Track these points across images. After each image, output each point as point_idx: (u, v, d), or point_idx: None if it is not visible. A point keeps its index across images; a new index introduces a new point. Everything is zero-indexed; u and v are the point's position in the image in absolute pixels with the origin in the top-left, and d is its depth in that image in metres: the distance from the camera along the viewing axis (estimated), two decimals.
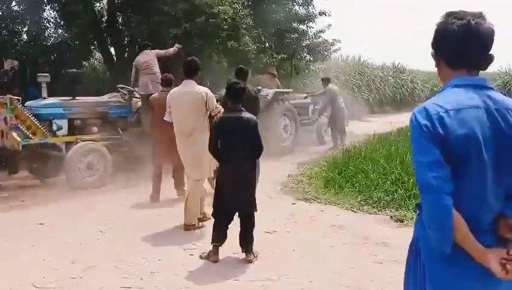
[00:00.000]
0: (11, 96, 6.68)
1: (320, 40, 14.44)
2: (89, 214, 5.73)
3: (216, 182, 4.32)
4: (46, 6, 12.26)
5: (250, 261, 4.15)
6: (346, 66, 24.04)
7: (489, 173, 1.59)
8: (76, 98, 7.48)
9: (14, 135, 6.51)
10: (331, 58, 21.72)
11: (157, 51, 8.50)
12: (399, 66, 26.70)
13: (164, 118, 5.11)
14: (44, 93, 7.22)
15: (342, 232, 4.95)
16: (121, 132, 7.79)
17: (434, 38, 1.72)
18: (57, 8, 12.23)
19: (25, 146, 6.64)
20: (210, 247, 4.23)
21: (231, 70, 10.69)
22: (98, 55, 14.39)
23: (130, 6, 11.89)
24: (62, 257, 4.27)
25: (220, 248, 4.23)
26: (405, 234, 2.55)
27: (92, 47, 13.42)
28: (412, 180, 6.18)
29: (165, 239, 4.78)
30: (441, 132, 1.55)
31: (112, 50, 13.26)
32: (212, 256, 4.18)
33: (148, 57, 8.31)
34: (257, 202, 4.31)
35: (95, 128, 7.59)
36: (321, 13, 14.21)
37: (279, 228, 5.07)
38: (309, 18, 14.22)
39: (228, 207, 4.19)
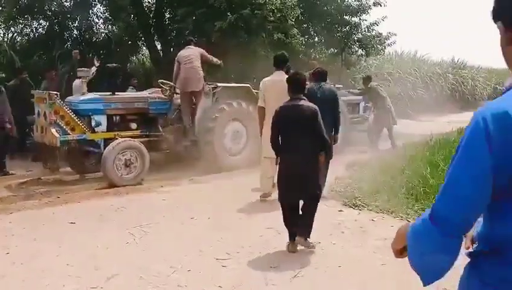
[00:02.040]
0: (50, 92, 6.53)
1: (374, 33, 13.58)
2: (122, 214, 5.45)
3: (278, 173, 4.31)
4: (95, 1, 12.29)
5: (309, 247, 4.10)
6: (400, 61, 22.82)
7: None
8: (116, 93, 7.25)
9: (53, 130, 6.39)
10: (384, 53, 20.71)
11: (202, 50, 8.10)
12: (459, 62, 25.05)
13: (258, 104, 5.83)
14: (84, 88, 7.04)
15: None
16: (161, 129, 7.49)
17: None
18: (106, 3, 12.22)
19: (64, 142, 6.52)
20: (241, 257, 3.78)
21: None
22: (145, 50, 14.34)
23: (177, 0, 11.65)
24: (86, 262, 3.96)
25: (257, 264, 3.82)
26: None
27: (140, 42, 13.36)
28: None
29: (197, 246, 4.37)
30: None
31: (159, 46, 13.12)
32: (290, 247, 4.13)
33: (192, 52, 7.98)
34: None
35: (134, 125, 7.36)
36: (376, 4, 13.35)
37: (323, 239, 4.50)
38: (362, 9, 13.40)
39: (291, 199, 4.21)
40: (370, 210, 5.56)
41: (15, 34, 11.78)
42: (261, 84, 5.90)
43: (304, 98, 4.24)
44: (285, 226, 4.22)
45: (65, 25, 11.72)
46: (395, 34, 13.41)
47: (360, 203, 5.84)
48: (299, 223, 4.17)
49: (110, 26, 13.48)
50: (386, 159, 8.14)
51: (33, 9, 11.34)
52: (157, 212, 5.48)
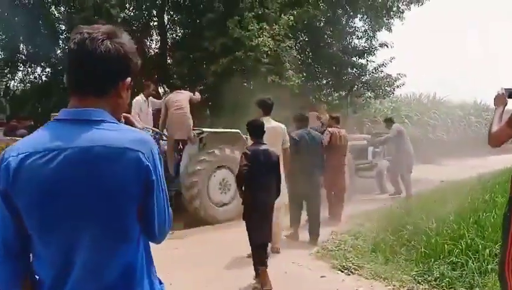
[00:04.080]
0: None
1: (382, 74, 13.00)
2: None
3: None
4: None
5: None
6: (419, 104, 22.09)
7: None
8: None
9: None
10: (393, 95, 20.05)
11: (191, 93, 7.72)
12: (481, 104, 24.07)
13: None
14: None
15: None
16: None
17: None
18: None
19: None
20: None
21: (277, 107, 9.74)
22: None
23: (178, 46, 11.48)
24: None
25: None
26: None
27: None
28: (488, 249, 4.57)
29: None
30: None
31: (161, 89, 12.90)
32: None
33: (182, 96, 7.54)
34: (278, 273, 4.38)
35: None
36: (382, 45, 12.87)
37: None
38: (369, 51, 12.92)
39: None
40: (360, 275, 4.74)
41: (11, 82, 11.77)
42: None
43: (265, 142, 4.52)
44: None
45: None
46: (405, 75, 12.80)
47: (351, 265, 5.03)
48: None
49: None
50: (391, 210, 7.31)
51: (38, 56, 11.26)
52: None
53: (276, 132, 5.42)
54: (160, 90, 12.95)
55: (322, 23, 12.76)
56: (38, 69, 11.85)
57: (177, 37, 12.43)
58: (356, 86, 12.91)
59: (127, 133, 1.30)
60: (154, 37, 13.41)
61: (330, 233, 6.51)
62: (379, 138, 10.50)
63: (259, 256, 4.32)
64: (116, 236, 1.28)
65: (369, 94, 12.65)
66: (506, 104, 3.23)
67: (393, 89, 12.97)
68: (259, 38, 8.52)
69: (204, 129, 7.37)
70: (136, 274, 1.36)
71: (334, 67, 12.68)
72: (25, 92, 11.19)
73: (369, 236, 6.10)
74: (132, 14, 12.04)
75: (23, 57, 11.37)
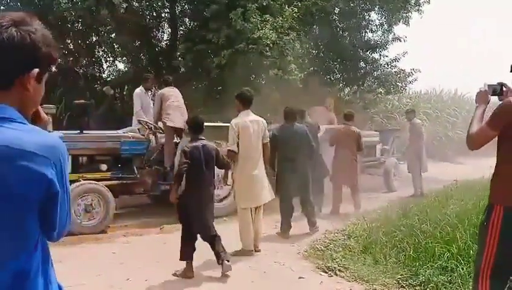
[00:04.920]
0: None
1: (395, 69, 12.60)
2: (63, 266, 4.76)
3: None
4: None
5: None
6: (438, 100, 21.44)
7: None
8: (85, 132, 6.76)
9: None
10: (421, 92, 19.58)
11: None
12: None
13: (230, 148, 5.21)
14: (50, 126, 6.62)
15: None
16: (136, 170, 6.89)
17: None
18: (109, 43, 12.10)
19: None
20: None
21: (282, 102, 9.54)
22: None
23: (185, 38, 11.38)
24: None
25: None
26: None
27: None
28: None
29: None
30: None
31: None
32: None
33: (176, 92, 7.48)
34: (256, 272, 4.64)
35: (104, 166, 6.76)
36: (395, 39, 12.47)
37: None
38: (382, 45, 12.54)
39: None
40: (342, 277, 4.55)
41: None
42: (233, 126, 5.22)
43: (203, 138, 4.64)
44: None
45: (73, 63, 11.67)
46: (419, 71, 12.34)
47: (336, 266, 4.84)
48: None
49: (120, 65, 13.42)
50: (391, 210, 7.07)
51: None
52: (94, 270, 4.75)
53: (259, 126, 5.29)
54: None
55: (334, 16, 12.48)
56: None
57: (185, 29, 12.33)
58: (367, 81, 12.57)
59: (35, 135, 1.19)
60: (166, 28, 13.40)
61: (324, 231, 6.35)
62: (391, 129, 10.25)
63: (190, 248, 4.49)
64: (11, 238, 1.19)
65: (381, 90, 12.27)
66: (488, 102, 2.99)
67: (405, 84, 12.57)
68: (261, 31, 8.33)
69: None
70: (29, 277, 1.26)
71: (345, 61, 12.36)
72: None
73: (363, 236, 5.90)
74: (143, 3, 11.99)
75: None
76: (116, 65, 13.27)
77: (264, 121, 5.43)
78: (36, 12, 10.05)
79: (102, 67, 12.59)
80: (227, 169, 5.12)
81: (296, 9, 9.05)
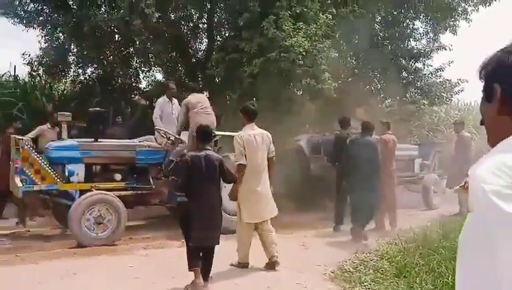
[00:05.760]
0: (17, 136, 6.06)
1: (440, 79, 11.90)
2: (66, 282, 4.61)
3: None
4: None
5: None
6: None
7: None
8: (99, 140, 6.59)
9: (17, 179, 5.76)
10: (471, 103, 18.54)
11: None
12: None
13: (238, 162, 5.02)
14: (65, 134, 6.53)
15: None
16: (152, 181, 6.67)
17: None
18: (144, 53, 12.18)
19: (28, 193, 5.87)
20: None
21: (320, 112, 9.20)
22: None
23: (219, 48, 11.27)
24: None
25: None
26: None
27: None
28: None
29: None
30: None
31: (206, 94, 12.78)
32: None
33: (203, 97, 7.29)
34: None
35: (119, 176, 6.54)
36: (440, 48, 11.78)
37: None
38: (425, 54, 11.90)
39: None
40: None
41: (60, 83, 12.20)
42: (238, 139, 5.05)
43: (210, 148, 4.60)
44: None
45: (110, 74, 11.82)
46: (467, 81, 11.59)
47: None
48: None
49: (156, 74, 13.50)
50: (430, 229, 6.49)
51: (86, 57, 11.52)
52: (105, 284, 4.58)
53: (263, 139, 5.12)
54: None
55: (375, 24, 12.01)
56: (89, 70, 12.20)
57: (221, 39, 12.25)
58: (410, 92, 11.94)
59: None
60: (203, 39, 13.39)
61: (355, 251, 5.90)
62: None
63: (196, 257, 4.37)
64: None
65: (424, 101, 11.60)
66: None
67: (451, 95, 11.84)
68: (293, 39, 8.02)
69: (216, 132, 6.80)
70: None
71: (386, 71, 11.82)
72: (70, 94, 11.54)
73: (397, 257, 5.40)
74: (179, 14, 12.03)
75: (74, 58, 11.74)
76: (154, 76, 13.38)
77: (269, 135, 5.23)
78: (73, 23, 10.48)
79: (139, 78, 12.70)
80: (232, 182, 4.88)
81: (330, 17, 8.68)
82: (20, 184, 5.75)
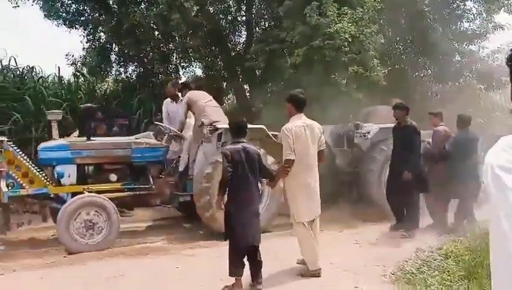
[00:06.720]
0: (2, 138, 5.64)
1: (498, 62, 11.04)
2: (123, 280, 4.47)
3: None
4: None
5: None
6: None
7: None
8: (92, 138, 6.17)
9: (2, 184, 5.35)
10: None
11: None
12: None
13: (287, 157, 4.60)
14: (55, 133, 6.18)
15: None
16: (152, 180, 6.23)
17: None
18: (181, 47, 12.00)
19: (13, 197, 5.52)
20: None
21: (368, 102, 8.66)
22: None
23: (258, 40, 10.96)
24: None
25: None
26: None
27: (227, 85, 12.97)
28: None
29: None
30: None
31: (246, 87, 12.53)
32: None
33: (202, 93, 6.81)
34: None
35: (114, 176, 6.10)
36: (496, 28, 10.91)
37: None
38: (480, 36, 11.07)
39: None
40: None
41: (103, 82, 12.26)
42: (286, 132, 4.60)
43: (244, 140, 4.34)
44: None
45: (151, 70, 11.77)
46: None
47: None
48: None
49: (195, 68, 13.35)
50: None
51: (127, 55, 11.49)
52: (152, 286, 4.39)
53: (313, 130, 4.69)
54: (246, 87, 12.60)
55: (424, 6, 11.31)
56: (130, 69, 12.19)
57: (260, 31, 11.93)
58: (464, 76, 11.15)
59: None
60: (242, 32, 13.13)
61: (415, 250, 5.43)
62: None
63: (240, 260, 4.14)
64: None
65: (481, 85, 10.77)
66: None
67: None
68: (338, 24, 7.55)
69: (219, 125, 6.19)
70: None
71: (437, 56, 11.09)
72: (113, 92, 11.55)
73: (465, 257, 4.90)
74: (217, 8, 11.81)
75: (116, 57, 11.77)
76: (194, 71, 13.26)
77: (320, 126, 4.81)
78: (114, 22, 10.46)
79: (179, 73, 12.58)
80: (268, 178, 4.67)
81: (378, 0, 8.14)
82: (4, 189, 5.37)
